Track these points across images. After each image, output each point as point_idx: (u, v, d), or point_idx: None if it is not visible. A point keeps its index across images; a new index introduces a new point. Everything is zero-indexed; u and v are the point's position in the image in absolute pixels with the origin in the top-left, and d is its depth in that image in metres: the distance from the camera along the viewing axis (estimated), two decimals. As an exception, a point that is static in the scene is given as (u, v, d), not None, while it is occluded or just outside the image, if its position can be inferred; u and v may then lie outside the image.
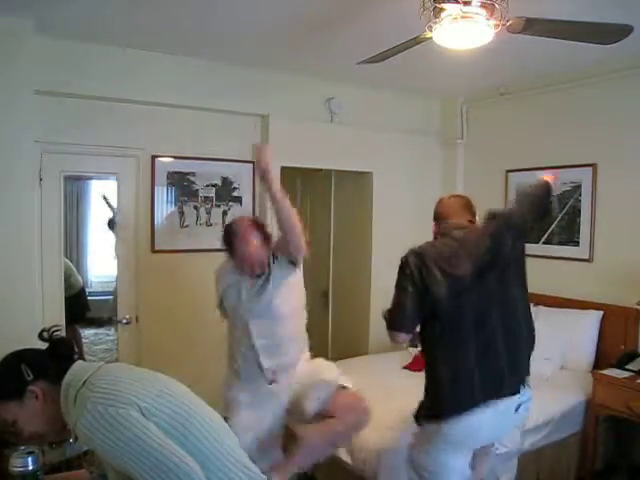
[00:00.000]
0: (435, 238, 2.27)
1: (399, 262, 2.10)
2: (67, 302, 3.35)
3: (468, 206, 2.31)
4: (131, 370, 1.46)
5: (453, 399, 2.02)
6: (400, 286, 2.07)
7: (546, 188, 2.29)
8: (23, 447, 1.49)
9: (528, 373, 2.17)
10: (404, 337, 2.09)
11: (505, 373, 2.05)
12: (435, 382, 2.08)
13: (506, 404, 2.06)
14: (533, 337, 2.18)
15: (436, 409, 2.06)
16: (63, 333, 1.53)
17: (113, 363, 1.49)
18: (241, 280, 2.48)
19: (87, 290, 4.10)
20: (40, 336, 1.47)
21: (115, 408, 1.25)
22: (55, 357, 1.44)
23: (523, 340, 2.14)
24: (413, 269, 2.03)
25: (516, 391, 2.09)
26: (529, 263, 2.22)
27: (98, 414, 1.24)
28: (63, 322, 3.26)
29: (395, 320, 2.09)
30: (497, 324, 2.05)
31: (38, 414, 1.38)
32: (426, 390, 2.13)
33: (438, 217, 2.32)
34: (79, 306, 3.80)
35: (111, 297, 3.83)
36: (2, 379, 1.40)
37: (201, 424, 1.36)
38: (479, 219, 2.25)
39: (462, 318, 2.02)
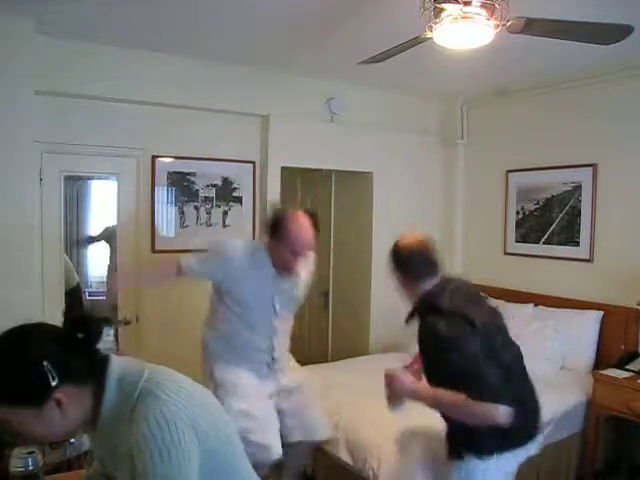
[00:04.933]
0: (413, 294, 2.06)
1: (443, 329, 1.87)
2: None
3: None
4: (188, 381, 1.25)
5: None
6: (467, 352, 1.84)
7: None
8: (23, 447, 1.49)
9: None
10: (508, 410, 1.78)
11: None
12: None
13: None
14: None
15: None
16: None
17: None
18: (265, 276, 2.36)
19: (87, 290, 4.10)
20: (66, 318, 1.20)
21: (183, 423, 1.09)
22: (80, 345, 1.13)
23: None
24: (468, 332, 1.85)
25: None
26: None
27: (169, 425, 1.07)
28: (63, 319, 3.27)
29: (487, 392, 1.80)
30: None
31: (54, 423, 1.10)
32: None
33: (407, 268, 2.06)
34: (74, 303, 3.79)
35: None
36: (19, 382, 1.07)
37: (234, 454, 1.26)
38: None
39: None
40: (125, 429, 1.09)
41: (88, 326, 1.16)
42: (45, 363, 1.06)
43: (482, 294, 2.20)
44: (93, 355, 1.16)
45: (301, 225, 2.28)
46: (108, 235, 3.86)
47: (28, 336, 1.11)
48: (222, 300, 2.44)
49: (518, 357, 2.06)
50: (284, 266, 2.34)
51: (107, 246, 4.00)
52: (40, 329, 1.14)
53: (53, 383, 1.06)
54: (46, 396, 1.07)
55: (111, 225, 3.82)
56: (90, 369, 1.14)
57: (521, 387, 2.00)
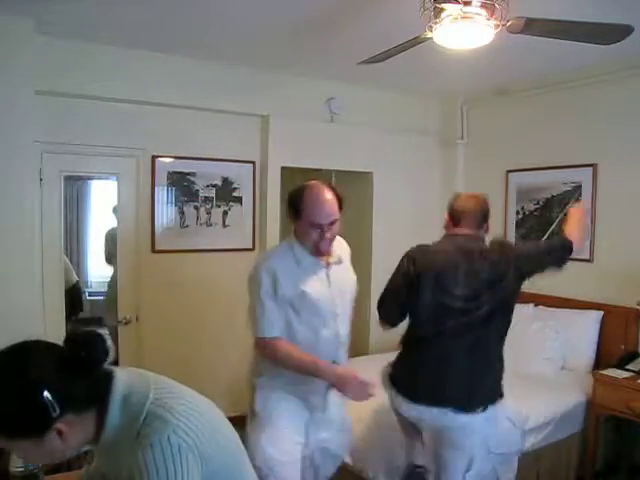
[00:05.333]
0: (447, 231, 2.40)
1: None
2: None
3: (483, 214, 2.33)
4: (190, 395, 1.19)
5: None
6: (394, 280, 2.42)
7: (569, 247, 2.32)
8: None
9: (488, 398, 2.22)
10: (388, 327, 2.52)
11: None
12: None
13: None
14: (500, 367, 2.27)
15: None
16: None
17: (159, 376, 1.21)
18: (307, 268, 2.11)
19: (87, 290, 4.10)
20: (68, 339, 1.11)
21: (188, 448, 1.05)
22: (83, 365, 1.06)
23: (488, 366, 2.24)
24: (409, 267, 2.31)
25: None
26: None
27: (174, 451, 1.03)
28: (63, 320, 3.28)
29: (383, 311, 2.53)
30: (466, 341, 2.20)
31: (54, 450, 1.06)
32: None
33: (452, 215, 2.37)
34: (72, 302, 3.80)
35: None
36: (19, 415, 1.01)
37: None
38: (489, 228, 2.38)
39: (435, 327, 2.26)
40: (130, 446, 1.06)
41: (91, 346, 1.08)
42: (46, 394, 0.99)
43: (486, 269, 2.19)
44: (96, 374, 1.09)
45: (318, 193, 2.02)
46: (112, 242, 3.71)
47: (27, 362, 1.03)
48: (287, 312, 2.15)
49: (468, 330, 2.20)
50: (315, 248, 2.10)
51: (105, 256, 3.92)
52: (39, 351, 1.07)
53: (54, 414, 1.00)
54: (47, 428, 1.02)
55: (110, 228, 3.79)
56: (93, 392, 1.08)
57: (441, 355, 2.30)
